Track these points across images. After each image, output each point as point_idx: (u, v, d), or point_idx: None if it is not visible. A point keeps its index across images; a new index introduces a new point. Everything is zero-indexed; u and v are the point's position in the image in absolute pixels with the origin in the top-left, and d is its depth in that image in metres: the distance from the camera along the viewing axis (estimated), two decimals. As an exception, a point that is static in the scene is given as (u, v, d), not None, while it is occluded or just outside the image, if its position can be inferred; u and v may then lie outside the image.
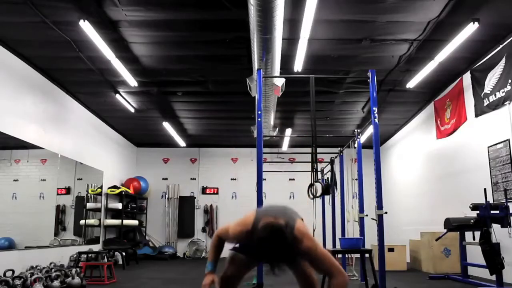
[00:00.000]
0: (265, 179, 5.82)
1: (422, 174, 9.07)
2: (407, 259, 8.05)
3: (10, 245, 6.17)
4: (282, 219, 2.33)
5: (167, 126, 9.80)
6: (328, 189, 5.40)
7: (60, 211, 7.82)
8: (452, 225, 5.63)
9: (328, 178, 7.02)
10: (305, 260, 2.48)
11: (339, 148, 7.48)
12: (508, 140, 5.72)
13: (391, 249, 7.57)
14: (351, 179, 7.45)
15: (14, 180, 6.71)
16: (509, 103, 5.67)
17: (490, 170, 6.13)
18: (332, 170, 6.77)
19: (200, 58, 6.55)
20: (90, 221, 9.10)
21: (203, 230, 11.98)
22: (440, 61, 6.23)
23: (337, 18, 5.32)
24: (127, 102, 8.35)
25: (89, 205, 9.14)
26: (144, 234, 11.58)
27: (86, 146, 8.76)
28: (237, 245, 2.69)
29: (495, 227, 5.17)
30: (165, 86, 7.70)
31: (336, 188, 6.62)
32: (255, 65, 5.58)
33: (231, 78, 7.16)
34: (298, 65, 6.14)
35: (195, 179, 12.33)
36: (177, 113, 9.33)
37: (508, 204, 5.20)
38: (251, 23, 4.72)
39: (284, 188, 11.59)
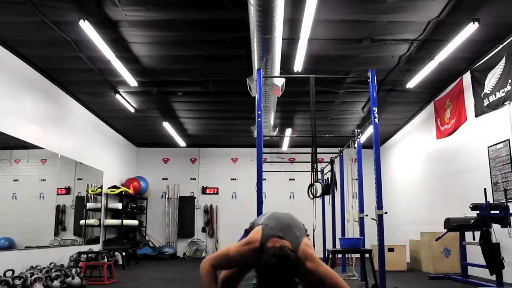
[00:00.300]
0: (265, 179, 5.82)
1: (422, 174, 9.06)
2: (407, 259, 8.05)
3: (10, 245, 6.17)
4: (288, 242, 2.37)
5: (167, 126, 9.79)
6: (328, 189, 5.39)
7: (60, 211, 7.82)
8: (452, 225, 5.63)
9: (328, 178, 7.03)
10: (309, 279, 2.49)
11: (339, 148, 7.49)
12: (508, 140, 5.72)
13: (391, 249, 7.57)
14: (351, 179, 7.45)
15: (14, 180, 6.71)
16: (509, 103, 5.67)
17: (490, 170, 6.12)
18: (332, 170, 6.78)
19: (200, 58, 6.55)
20: (90, 221, 9.10)
21: (203, 230, 11.98)
22: (440, 61, 6.23)
23: (337, 18, 5.32)
24: (127, 102, 8.35)
25: (89, 205, 9.14)
26: (144, 234, 11.58)
27: (86, 146, 8.76)
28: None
29: (495, 227, 5.17)
30: (165, 86, 7.70)
31: (336, 188, 6.63)
32: (255, 65, 5.58)
33: (231, 78, 7.16)
34: (298, 65, 6.14)
35: (195, 179, 12.32)
36: (177, 113, 9.33)
37: (508, 204, 5.20)
38: (251, 23, 4.72)
39: (284, 188, 11.60)
